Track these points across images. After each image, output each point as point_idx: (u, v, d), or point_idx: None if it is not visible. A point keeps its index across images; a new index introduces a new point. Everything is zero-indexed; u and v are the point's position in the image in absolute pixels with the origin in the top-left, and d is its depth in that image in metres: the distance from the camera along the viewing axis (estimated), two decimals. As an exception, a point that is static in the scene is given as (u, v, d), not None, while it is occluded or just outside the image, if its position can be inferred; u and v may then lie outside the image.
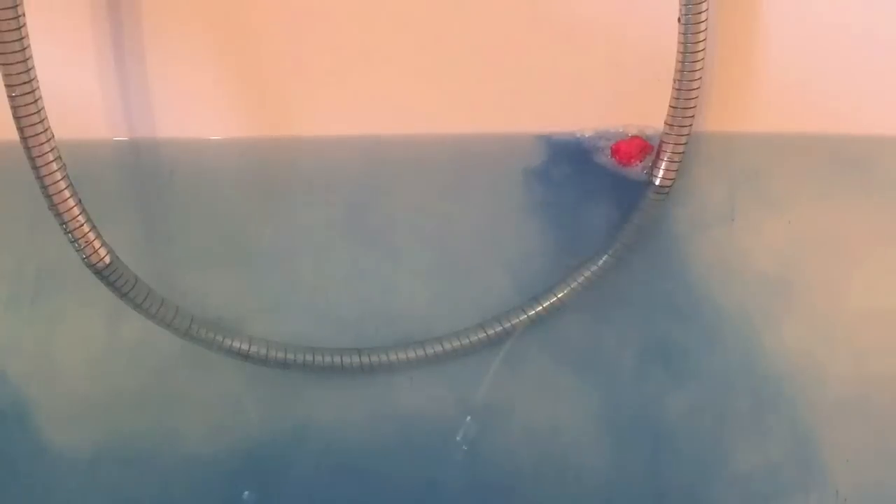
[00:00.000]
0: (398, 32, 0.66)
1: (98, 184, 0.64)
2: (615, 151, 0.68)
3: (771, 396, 0.73)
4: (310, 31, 0.66)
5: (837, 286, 0.72)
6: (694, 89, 0.64)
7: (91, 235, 0.61)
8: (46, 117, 0.58)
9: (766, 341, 0.72)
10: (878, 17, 0.67)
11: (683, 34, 0.63)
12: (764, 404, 0.73)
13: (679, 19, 0.63)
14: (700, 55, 0.63)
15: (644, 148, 0.68)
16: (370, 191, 0.70)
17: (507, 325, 0.70)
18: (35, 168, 0.58)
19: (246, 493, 0.72)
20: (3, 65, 0.55)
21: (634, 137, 0.68)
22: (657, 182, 0.68)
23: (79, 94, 0.66)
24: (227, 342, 0.68)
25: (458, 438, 0.72)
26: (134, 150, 0.68)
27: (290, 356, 0.68)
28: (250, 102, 0.67)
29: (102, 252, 0.61)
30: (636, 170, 0.68)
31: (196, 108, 0.67)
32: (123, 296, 0.63)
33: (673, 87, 0.65)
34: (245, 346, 0.68)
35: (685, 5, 0.62)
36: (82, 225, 0.60)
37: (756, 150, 0.69)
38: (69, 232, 0.60)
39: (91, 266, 0.62)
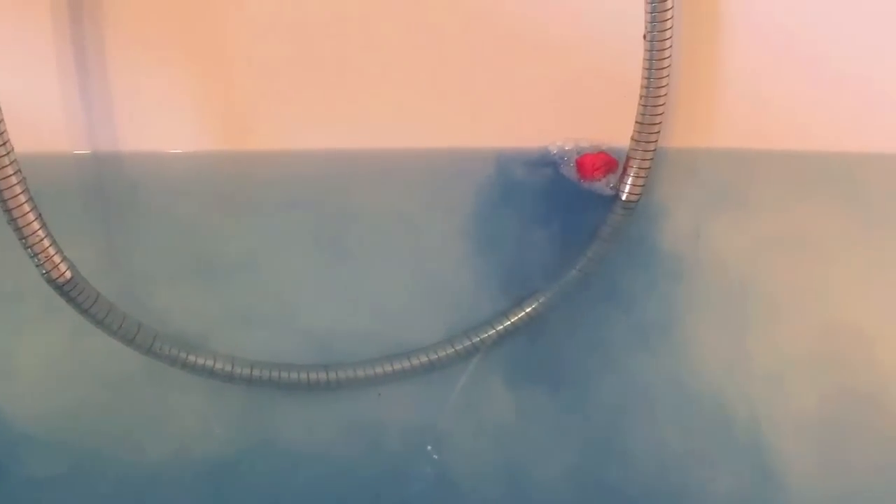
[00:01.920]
0: (363, 47, 0.66)
1: (59, 198, 0.64)
2: (580, 166, 0.69)
3: (734, 410, 0.74)
4: (274, 45, 0.66)
5: (801, 300, 0.73)
6: (660, 105, 0.65)
7: (51, 250, 0.60)
8: (6, 130, 0.57)
9: (731, 355, 0.73)
10: (841, 34, 0.68)
11: (649, 51, 0.63)
12: (726, 418, 0.74)
13: (644, 36, 0.63)
14: (665, 72, 0.64)
15: (609, 163, 0.69)
16: (335, 205, 0.69)
17: (476, 339, 0.70)
18: (-6, 182, 0.57)
19: (210, 511, 0.71)
20: (-38, 76, 0.54)
21: (599, 152, 0.69)
22: (623, 197, 0.68)
23: (39, 107, 0.65)
24: (192, 359, 0.67)
25: (428, 448, 0.72)
26: (96, 163, 0.67)
27: (256, 372, 0.68)
28: (214, 115, 0.67)
29: (63, 267, 0.60)
30: (601, 185, 0.69)
31: (159, 121, 0.67)
32: (84, 312, 0.62)
33: (639, 104, 0.65)
34: (210, 363, 0.67)
35: (650, 22, 0.63)
36: (42, 240, 0.59)
37: (721, 166, 0.70)
38: (29, 247, 0.59)
39: (51, 282, 0.61)
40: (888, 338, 0.74)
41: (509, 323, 0.70)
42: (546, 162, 0.69)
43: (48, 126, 0.65)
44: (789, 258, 0.72)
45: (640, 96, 0.65)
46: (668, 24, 0.62)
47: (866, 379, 0.74)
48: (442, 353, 0.69)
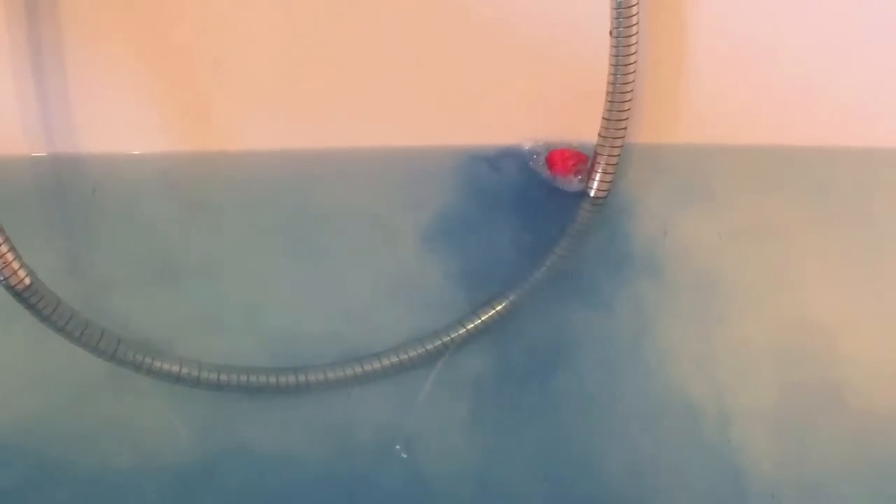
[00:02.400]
0: (326, 45, 0.66)
1: (16, 202, 0.63)
2: (550, 161, 0.69)
3: (703, 404, 0.74)
4: (235, 44, 0.65)
5: (768, 294, 0.74)
6: (626, 101, 0.65)
7: (9, 256, 0.58)
8: (-39, 133, 0.55)
9: (699, 348, 0.74)
10: (805, 30, 0.69)
11: (615, 47, 0.64)
12: (696, 412, 0.74)
13: (611, 32, 0.64)
14: (632, 68, 0.64)
15: (579, 158, 0.69)
16: (300, 206, 0.69)
17: (446, 339, 0.69)
18: (-51, 186, 0.56)
19: (177, 519, 0.70)
20: (-86, 78, 0.53)
21: (567, 148, 0.69)
22: (592, 193, 0.68)
23: (-5, 109, 0.63)
24: (157, 364, 0.66)
25: (396, 447, 0.71)
26: (54, 166, 0.66)
27: (224, 377, 0.67)
28: (174, 116, 0.66)
29: (22, 273, 0.59)
30: (571, 180, 0.69)
31: (118, 122, 0.66)
32: (45, 319, 0.61)
33: (606, 100, 0.66)
34: (176, 368, 0.66)
35: (616, 19, 0.63)
36: (0, 245, 0.58)
37: (688, 161, 0.71)
38: (-14, 253, 0.58)
39: (10, 288, 0.59)
40: (852, 330, 0.75)
41: (479, 321, 0.70)
42: (514, 159, 0.69)
43: (4, 128, 0.64)
44: (756, 252, 0.73)
45: (607, 92, 0.65)
46: (634, 19, 0.63)
47: (830, 372, 0.75)
48: (412, 353, 0.69)
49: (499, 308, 0.70)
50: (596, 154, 0.68)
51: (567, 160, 0.69)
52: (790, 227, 0.73)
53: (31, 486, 0.68)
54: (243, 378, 0.67)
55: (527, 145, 0.69)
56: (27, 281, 0.59)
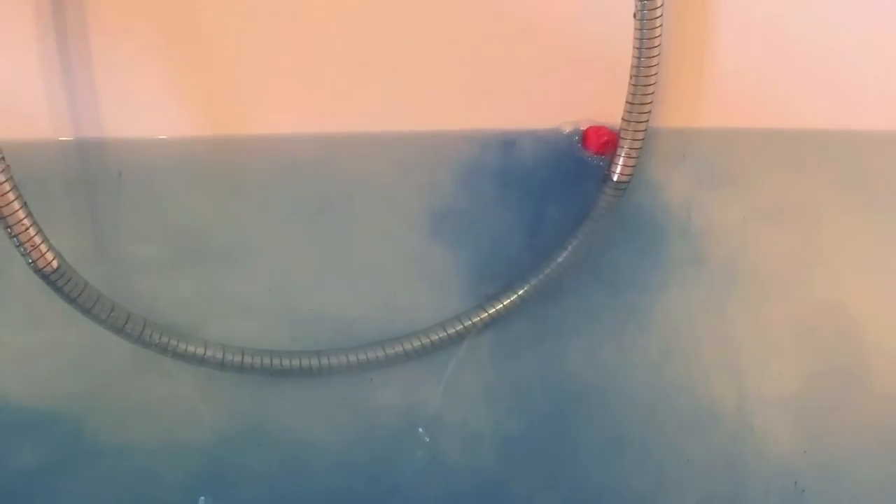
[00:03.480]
0: (351, 28, 0.66)
1: (44, 186, 0.63)
2: (584, 138, 0.68)
3: (725, 390, 0.74)
4: (259, 28, 0.65)
5: (791, 280, 0.73)
6: (650, 85, 0.65)
7: (37, 239, 0.59)
8: (-11, 117, 0.56)
9: (721, 335, 0.73)
10: (830, 13, 0.68)
11: (639, 30, 0.63)
12: (718, 397, 0.74)
13: (635, 15, 0.63)
14: (656, 51, 0.64)
15: (612, 137, 0.68)
16: (325, 190, 0.69)
17: (468, 323, 0.69)
18: (-23, 170, 0.56)
19: (202, 498, 0.71)
20: (-57, 63, 0.53)
21: (603, 126, 0.68)
22: (615, 178, 0.68)
23: (22, 94, 0.64)
24: (182, 347, 0.66)
25: (419, 430, 0.72)
26: (80, 150, 0.66)
27: (248, 359, 0.67)
28: (199, 100, 0.66)
29: (49, 256, 0.60)
30: (605, 159, 0.68)
31: (144, 107, 0.66)
32: (72, 301, 0.62)
33: (629, 83, 0.65)
34: (200, 351, 0.66)
35: (641, 1, 0.62)
36: (28, 228, 0.58)
37: (712, 145, 0.70)
38: (14, 236, 0.58)
39: (38, 271, 0.60)
40: (878, 316, 0.74)
41: (501, 306, 0.70)
42: (537, 142, 0.69)
43: (31, 113, 0.64)
44: (781, 236, 0.73)
45: (631, 76, 0.65)
46: (659, 1, 0.62)
47: (854, 357, 0.74)
48: (434, 337, 0.69)
49: (520, 292, 0.70)
50: (619, 138, 0.67)
51: (602, 137, 0.68)
52: (816, 212, 0.72)
53: (60, 467, 0.69)
54: (266, 361, 0.67)
55: (550, 128, 0.69)
56: (55, 264, 0.60)
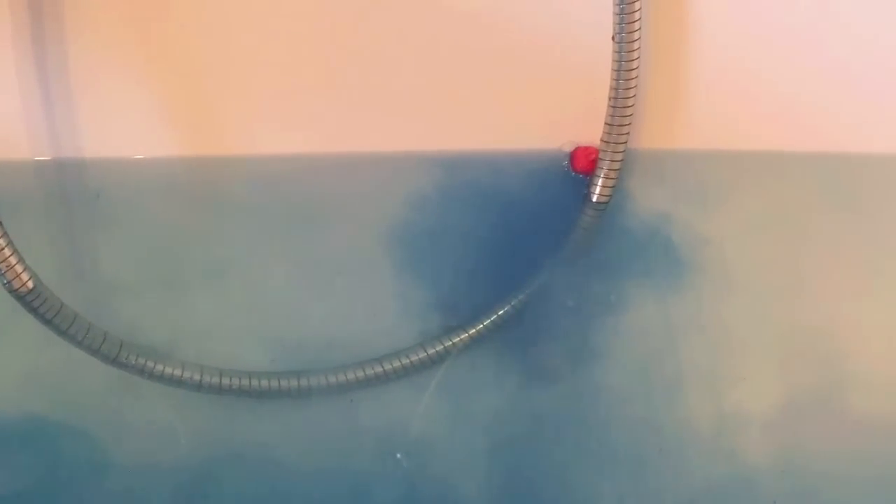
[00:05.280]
0: (332, 50, 0.66)
1: (20, 206, 0.63)
2: (573, 158, 0.69)
3: (704, 409, 0.74)
4: (239, 49, 0.65)
5: (771, 301, 0.74)
6: (629, 107, 0.65)
7: (13, 259, 0.58)
8: (-35, 137, 0.56)
9: (698, 357, 0.74)
10: (807, 36, 0.69)
11: (618, 52, 0.64)
12: (698, 416, 0.74)
13: (613, 38, 0.64)
14: (634, 73, 0.64)
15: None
16: (305, 210, 0.69)
17: (448, 343, 0.69)
18: (-47, 190, 0.56)
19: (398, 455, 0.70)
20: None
21: (591, 146, 0.69)
22: (594, 199, 0.68)
23: (-1, 113, 0.63)
24: (159, 368, 0.66)
25: (398, 456, 0.71)
26: (58, 170, 0.66)
27: (226, 381, 0.67)
28: (178, 120, 0.66)
29: (25, 277, 0.59)
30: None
31: (122, 127, 0.66)
32: (48, 322, 0.61)
33: (608, 105, 0.66)
34: (178, 372, 0.66)
35: (619, 24, 0.63)
36: (3, 248, 0.58)
37: (691, 167, 0.71)
38: (-10, 256, 0.58)
39: (13, 292, 0.59)
40: (856, 335, 0.75)
41: (482, 326, 0.70)
42: (518, 166, 0.69)
43: (8, 132, 0.64)
44: (759, 257, 0.73)
45: (610, 98, 0.65)
46: (637, 24, 0.63)
47: (830, 379, 0.75)
48: (414, 358, 0.69)
49: (500, 313, 0.70)
50: (598, 159, 0.68)
51: (590, 156, 0.68)
52: (794, 233, 0.73)
53: (34, 491, 0.69)
54: (245, 382, 0.67)
55: (529, 150, 0.69)
56: (30, 284, 0.59)
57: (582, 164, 0.69)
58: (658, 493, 0.75)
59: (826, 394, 0.75)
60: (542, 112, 0.69)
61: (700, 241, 0.72)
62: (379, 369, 0.69)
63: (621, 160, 0.67)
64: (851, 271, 0.74)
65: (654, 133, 0.69)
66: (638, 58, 0.64)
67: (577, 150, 0.69)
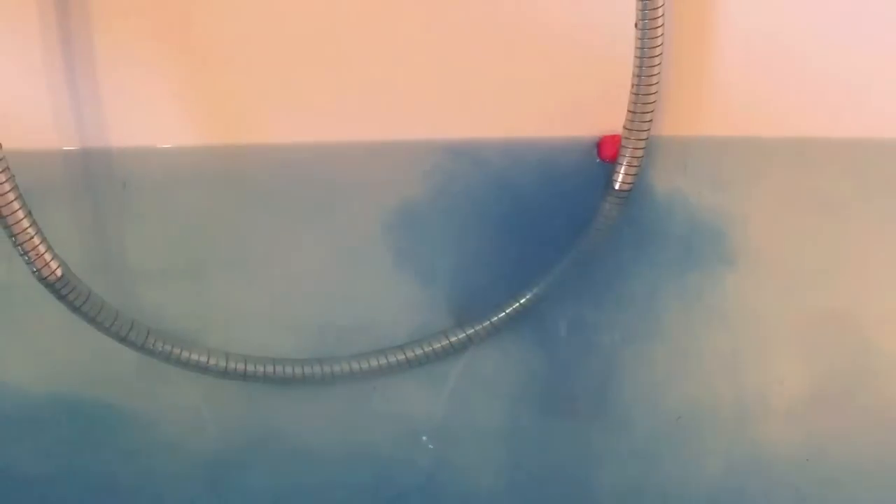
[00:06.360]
0: (355, 38, 0.66)
1: (48, 195, 0.63)
2: (600, 147, 0.69)
3: (727, 396, 0.74)
4: (263, 39, 0.65)
5: (797, 288, 0.73)
6: (652, 93, 0.65)
7: (42, 248, 0.59)
8: (-6, 127, 0.56)
9: (723, 343, 0.73)
10: (830, 23, 0.68)
11: (640, 39, 0.63)
12: (721, 404, 0.74)
13: (636, 24, 0.63)
14: (657, 60, 0.64)
15: None
16: (327, 198, 0.69)
17: (471, 331, 0.70)
18: (-18, 180, 0.56)
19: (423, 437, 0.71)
20: (-52, 73, 0.54)
21: (618, 134, 0.68)
22: (617, 186, 0.68)
23: (27, 103, 0.64)
24: (186, 355, 0.66)
25: (423, 438, 0.72)
26: (85, 159, 0.66)
27: (251, 367, 0.67)
28: (203, 110, 0.66)
29: (54, 265, 0.60)
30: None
31: (148, 117, 0.66)
32: (76, 310, 0.62)
33: (631, 92, 0.65)
34: (204, 359, 0.67)
35: (642, 10, 0.62)
36: (32, 237, 0.59)
37: (714, 154, 0.70)
38: (19, 245, 0.59)
39: (42, 280, 0.60)
40: (879, 324, 0.74)
41: (504, 314, 0.70)
42: (542, 152, 0.69)
43: (37, 122, 0.65)
44: (784, 245, 0.72)
45: (632, 85, 0.65)
46: (660, 11, 0.62)
47: (855, 367, 0.74)
48: (437, 346, 0.69)
49: (523, 301, 0.70)
50: (621, 146, 0.67)
51: (617, 144, 0.68)
52: (819, 219, 0.72)
53: (63, 474, 0.70)
54: (269, 369, 0.68)
55: (552, 138, 0.69)
56: (59, 272, 0.60)
57: (610, 152, 0.68)
58: (681, 480, 0.75)
59: (853, 382, 0.74)
60: (564, 100, 0.69)
61: (724, 229, 0.71)
62: (402, 357, 0.69)
63: (644, 147, 0.67)
64: (880, 259, 0.73)
65: (677, 120, 0.69)
66: (661, 44, 0.63)
67: (604, 137, 0.69)
